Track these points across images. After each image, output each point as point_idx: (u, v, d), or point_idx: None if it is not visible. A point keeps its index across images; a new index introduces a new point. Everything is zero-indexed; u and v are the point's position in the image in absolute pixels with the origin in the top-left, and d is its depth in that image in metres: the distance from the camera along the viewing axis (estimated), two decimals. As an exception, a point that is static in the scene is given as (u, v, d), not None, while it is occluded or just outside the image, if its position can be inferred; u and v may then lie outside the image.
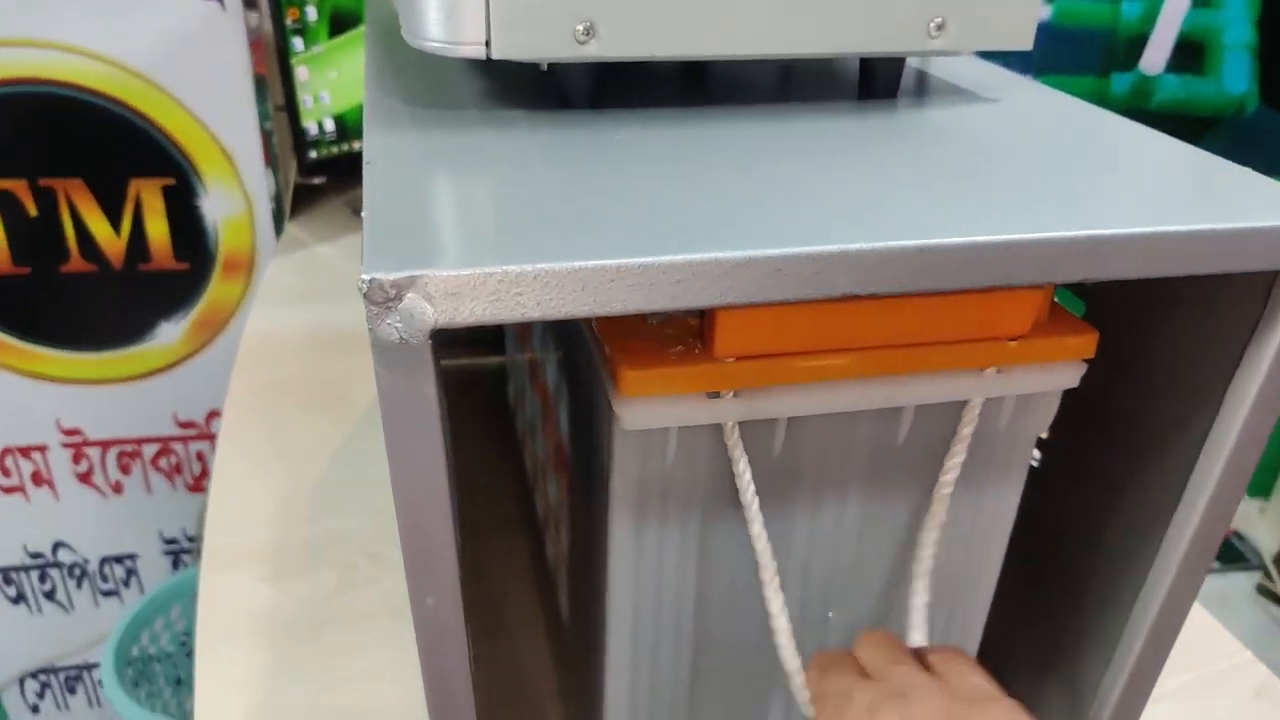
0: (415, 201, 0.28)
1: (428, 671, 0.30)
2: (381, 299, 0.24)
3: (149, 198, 1.06)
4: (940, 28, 0.39)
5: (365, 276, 0.24)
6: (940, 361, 0.32)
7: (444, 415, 0.26)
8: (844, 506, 0.36)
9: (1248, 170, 0.35)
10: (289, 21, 0.88)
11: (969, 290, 0.31)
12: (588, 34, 0.36)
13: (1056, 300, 0.36)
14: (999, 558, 0.39)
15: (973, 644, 0.42)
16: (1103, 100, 1.41)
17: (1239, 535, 1.78)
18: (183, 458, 1.21)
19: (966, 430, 0.34)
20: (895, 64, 0.42)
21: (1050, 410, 0.36)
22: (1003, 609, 0.42)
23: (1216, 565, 1.72)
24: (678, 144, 0.35)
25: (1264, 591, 1.67)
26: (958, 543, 0.39)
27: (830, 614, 0.39)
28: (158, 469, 1.22)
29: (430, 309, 0.24)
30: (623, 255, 0.25)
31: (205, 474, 1.23)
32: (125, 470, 1.21)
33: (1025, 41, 0.41)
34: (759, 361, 0.31)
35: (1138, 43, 1.38)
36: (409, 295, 0.24)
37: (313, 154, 0.94)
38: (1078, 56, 1.39)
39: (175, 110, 1.01)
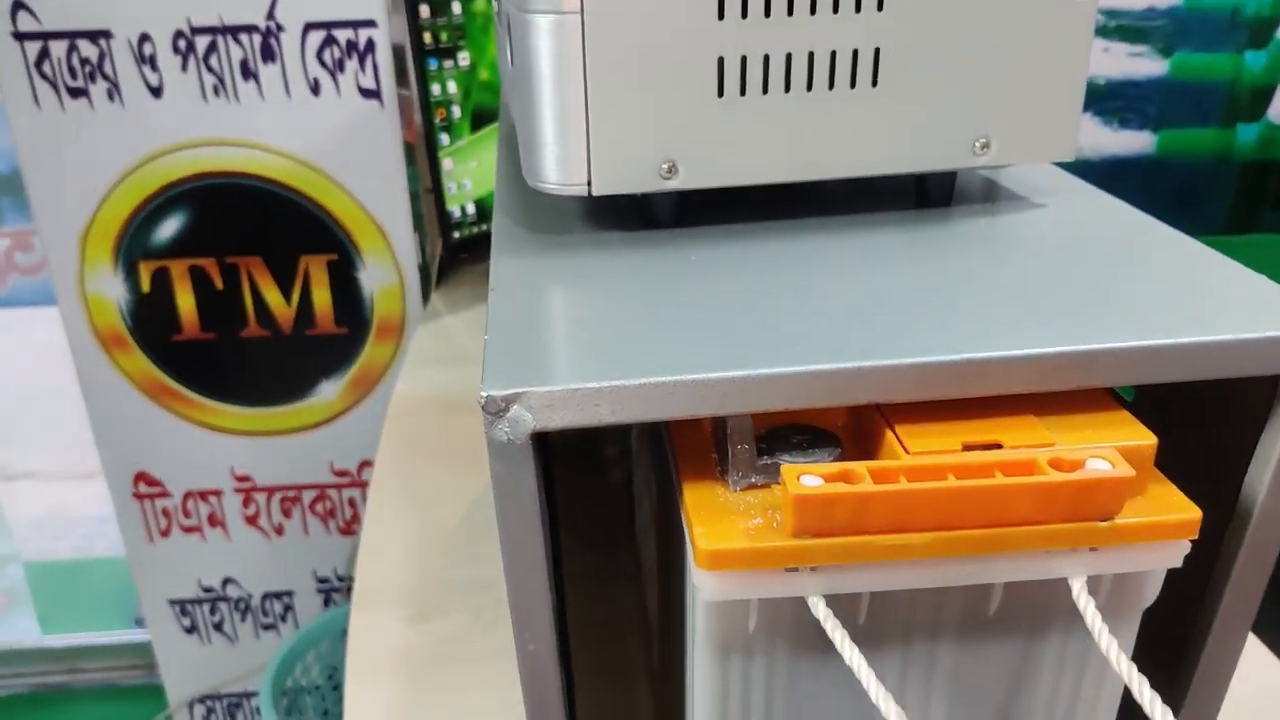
0: (524, 326, 0.36)
1: (529, 708, 0.37)
2: (495, 410, 0.31)
3: (315, 271, 1.19)
4: (985, 146, 0.45)
5: (484, 393, 0.31)
6: (1026, 542, 0.33)
7: (543, 498, 0.34)
8: (932, 673, 0.38)
9: (1267, 281, 0.38)
10: (437, 120, 1.00)
11: (1059, 458, 0.33)
12: (670, 171, 0.43)
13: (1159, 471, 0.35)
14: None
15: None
16: (1229, 152, 1.39)
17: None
18: (336, 503, 1.34)
19: (1090, 606, 0.34)
20: (947, 177, 0.48)
21: (1154, 586, 0.36)
22: None
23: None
24: (745, 260, 0.42)
25: None
26: (1067, 706, 0.39)
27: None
28: (314, 513, 1.35)
29: (531, 417, 0.32)
30: (675, 373, 0.32)
31: (356, 519, 1.35)
32: (287, 514, 1.35)
33: (1067, 153, 0.46)
34: (837, 540, 0.32)
35: (1264, 92, 1.36)
36: (515, 407, 0.32)
37: (456, 234, 1.05)
38: (1199, 109, 1.38)
39: (339, 195, 1.14)
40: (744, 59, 0.41)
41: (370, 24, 1.05)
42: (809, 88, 0.42)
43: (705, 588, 0.33)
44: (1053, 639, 0.37)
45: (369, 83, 1.08)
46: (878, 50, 0.42)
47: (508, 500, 0.33)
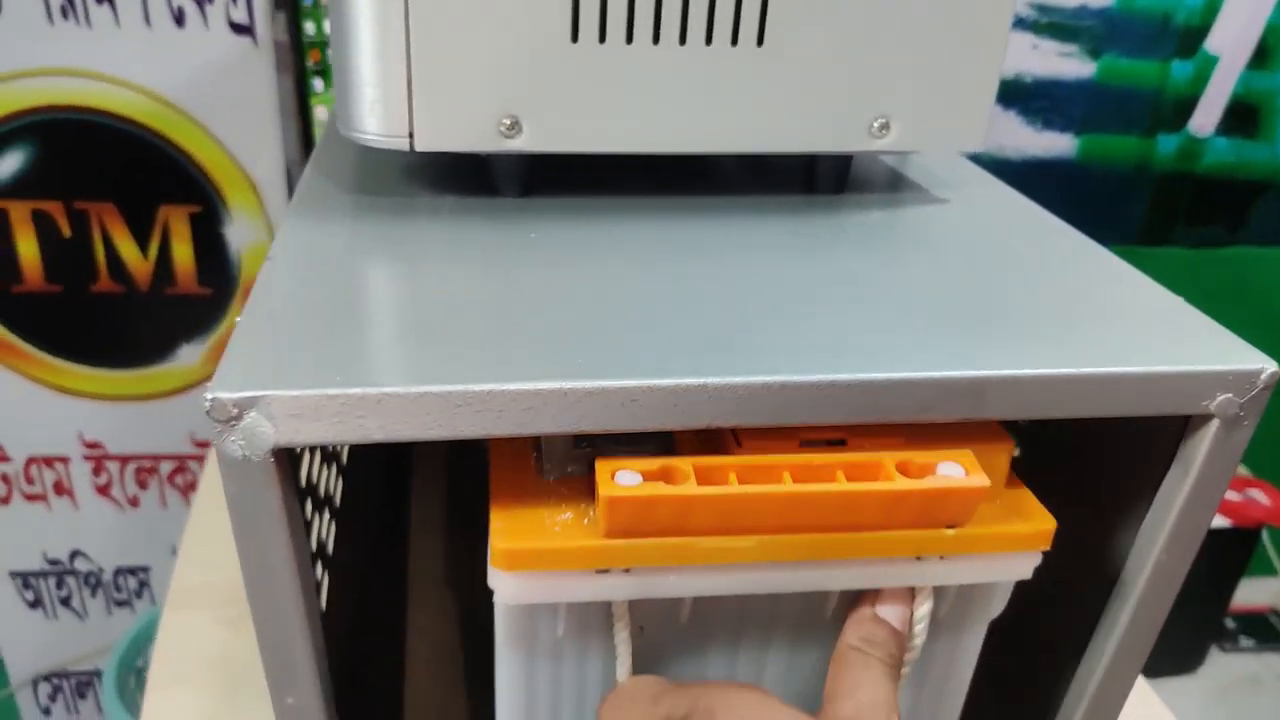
0: (291, 309, 0.29)
1: (290, 769, 0.30)
2: (224, 418, 0.24)
3: (176, 224, 1.08)
4: (884, 128, 0.39)
5: (209, 395, 0.24)
6: (866, 549, 0.30)
7: (298, 524, 0.27)
8: (760, 679, 0.35)
9: (1181, 302, 0.34)
10: (310, 63, 0.90)
11: (904, 461, 0.29)
12: (513, 129, 0.36)
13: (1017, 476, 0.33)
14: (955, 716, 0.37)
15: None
16: (1148, 161, 1.38)
17: (1277, 613, 1.71)
18: (197, 476, 1.23)
19: (921, 612, 0.32)
20: (841, 161, 0.42)
21: (1001, 598, 0.34)
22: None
23: (1251, 644, 1.65)
24: (591, 244, 0.35)
25: (1300, 676, 1.60)
26: (907, 711, 0.37)
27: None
28: (173, 485, 1.24)
29: (271, 429, 0.24)
30: (469, 382, 0.25)
31: (219, 493, 1.25)
32: (143, 485, 1.24)
33: (975, 143, 0.40)
34: (651, 541, 0.28)
35: (1187, 104, 1.35)
36: (250, 415, 0.24)
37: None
38: (1122, 116, 1.36)
39: (205, 141, 1.04)
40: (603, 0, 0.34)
41: (242, -49, 0.95)
42: (682, 40, 0.36)
43: (501, 589, 0.29)
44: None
45: (241, 17, 0.97)
46: (765, 2, 0.36)
47: (248, 532, 0.26)
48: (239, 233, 1.09)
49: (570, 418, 0.25)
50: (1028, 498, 0.32)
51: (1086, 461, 0.37)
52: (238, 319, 0.28)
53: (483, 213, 0.37)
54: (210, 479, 0.73)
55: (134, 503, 1.25)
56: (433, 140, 0.36)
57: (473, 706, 0.55)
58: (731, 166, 0.45)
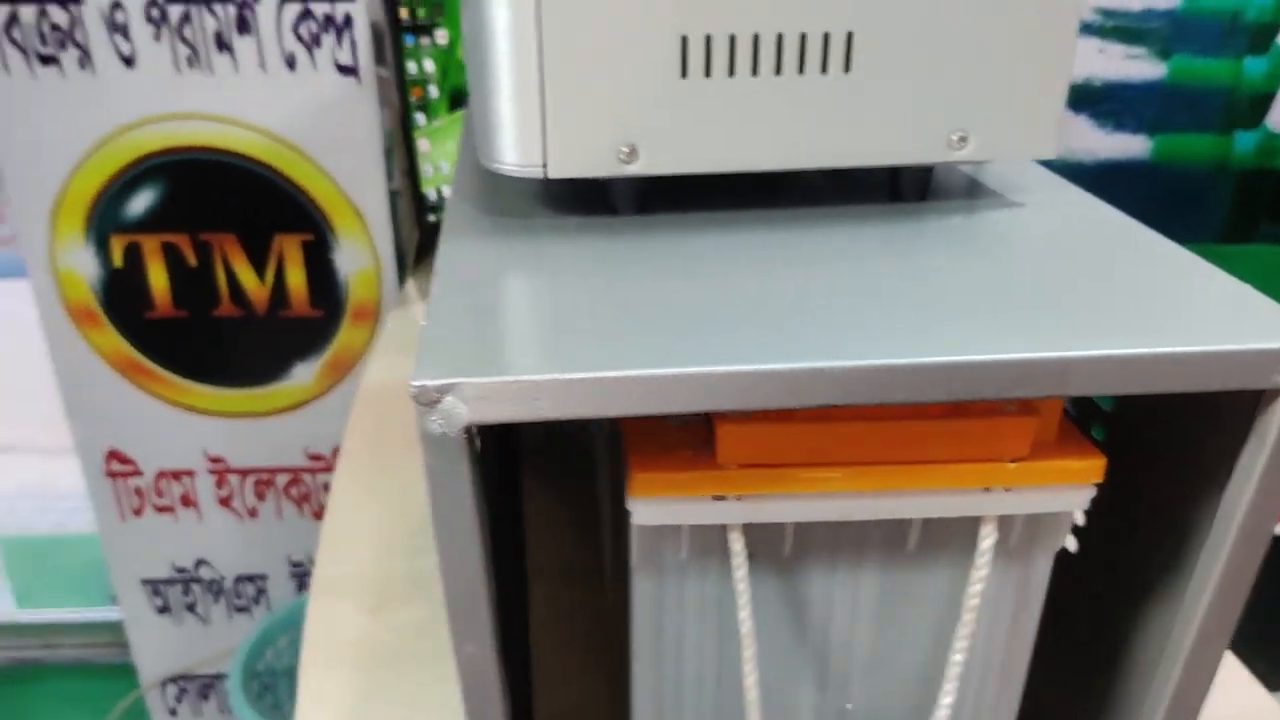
0: (466, 313, 0.34)
1: (468, 710, 0.35)
2: (427, 401, 0.30)
3: (290, 251, 1.17)
4: (962, 140, 0.43)
5: (414, 383, 0.30)
6: (940, 480, 0.35)
7: (479, 493, 0.32)
8: (856, 606, 0.39)
9: (1251, 289, 0.37)
10: (413, 99, 0.98)
11: (956, 408, 0.34)
12: (630, 155, 0.41)
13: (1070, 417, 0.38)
14: (1024, 655, 0.41)
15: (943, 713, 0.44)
16: (1226, 159, 1.37)
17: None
18: (311, 488, 1.32)
19: (986, 544, 0.36)
20: (922, 172, 0.46)
21: (1063, 529, 0.38)
22: (1037, 690, 0.44)
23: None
24: (703, 252, 0.40)
25: None
26: (984, 641, 0.41)
27: (849, 705, 0.42)
28: (288, 497, 1.33)
29: (465, 409, 0.30)
30: (624, 368, 0.30)
31: (330, 503, 1.33)
32: (260, 497, 1.33)
33: (1048, 150, 0.44)
34: (759, 470, 0.34)
35: (1263, 100, 1.35)
36: (447, 398, 0.30)
37: (432, 217, 1.03)
38: (1196, 115, 1.36)
39: (315, 174, 1.12)
40: (709, 38, 0.40)
41: (349, -1, 1.03)
42: (777, 71, 0.41)
43: (638, 512, 0.35)
44: (962, 579, 0.39)
45: (346, 59, 1.06)
46: (850, 34, 0.40)
47: (441, 496, 0.31)
48: (346, 258, 1.17)
49: (702, 397, 0.30)
50: (1080, 441, 0.37)
51: (1171, 441, 0.40)
52: (422, 323, 0.33)
53: (604, 230, 0.42)
54: (341, 484, 0.80)
55: (253, 514, 1.34)
56: (563, 168, 0.41)
57: (595, 687, 0.60)
58: (821, 179, 0.50)
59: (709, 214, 0.44)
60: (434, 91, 1.00)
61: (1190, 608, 0.38)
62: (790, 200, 0.46)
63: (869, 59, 0.41)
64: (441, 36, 0.98)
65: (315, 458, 1.30)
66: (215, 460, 1.30)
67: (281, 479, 1.31)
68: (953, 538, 0.38)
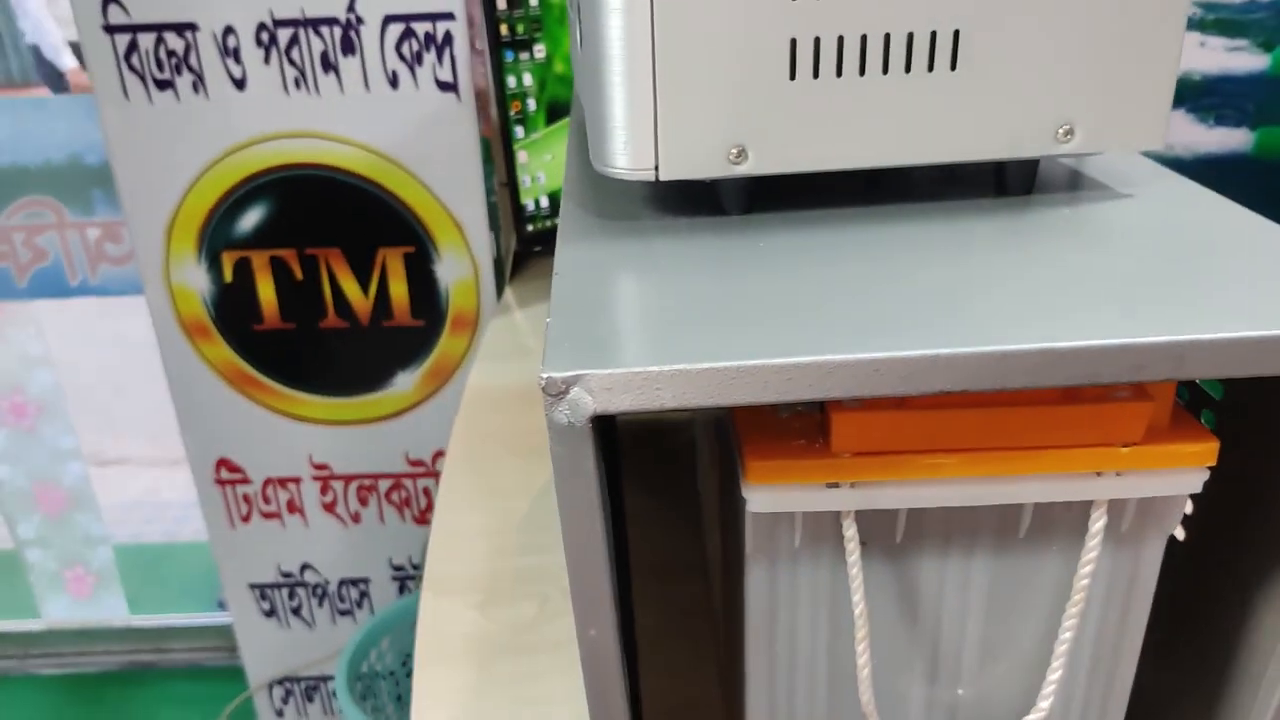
0: (587, 309, 0.36)
1: (590, 692, 0.37)
2: (555, 391, 0.31)
3: (393, 263, 1.21)
4: (1069, 133, 0.43)
5: (544, 374, 0.31)
6: (1052, 465, 0.35)
7: (603, 480, 0.33)
8: (967, 591, 0.40)
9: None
10: (512, 112, 1.01)
11: (1069, 393, 0.35)
12: (740, 156, 0.42)
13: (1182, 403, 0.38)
14: (1136, 639, 0.41)
15: (1113, 709, 0.44)
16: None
17: None
18: (411, 493, 1.36)
19: (1097, 527, 0.36)
20: (1029, 165, 0.46)
21: (1176, 512, 0.38)
22: (1149, 679, 0.44)
23: None
24: (813, 248, 0.41)
25: None
26: (1094, 626, 0.41)
27: (960, 691, 0.42)
28: (390, 502, 1.37)
29: (591, 399, 0.31)
30: (742, 358, 0.31)
31: (430, 508, 1.37)
32: (363, 502, 1.37)
33: (1156, 142, 0.44)
34: (873, 458, 0.35)
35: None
36: (575, 389, 0.31)
37: (530, 227, 1.06)
38: (1304, 106, 1.31)
39: (416, 188, 1.16)
40: (817, 40, 0.40)
41: (448, 16, 1.06)
42: (884, 70, 0.41)
43: (753, 500, 0.36)
44: (1074, 562, 0.39)
45: (446, 76, 1.09)
46: (957, 32, 0.41)
47: (568, 484, 0.33)
48: (447, 269, 1.21)
49: (817, 385, 0.31)
50: (1192, 424, 0.36)
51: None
52: (547, 320, 0.35)
53: (713, 229, 0.44)
54: (448, 486, 0.82)
55: (356, 519, 1.39)
56: (674, 170, 0.42)
57: (702, 682, 0.61)
58: (927, 175, 0.50)
59: (815, 212, 0.45)
60: (532, 105, 1.03)
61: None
62: (895, 196, 0.47)
63: (975, 56, 0.41)
64: (539, 51, 1.01)
65: (416, 463, 1.34)
66: (320, 467, 1.35)
67: (384, 484, 1.36)
68: (1064, 523, 0.38)
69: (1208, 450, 0.35)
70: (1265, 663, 0.40)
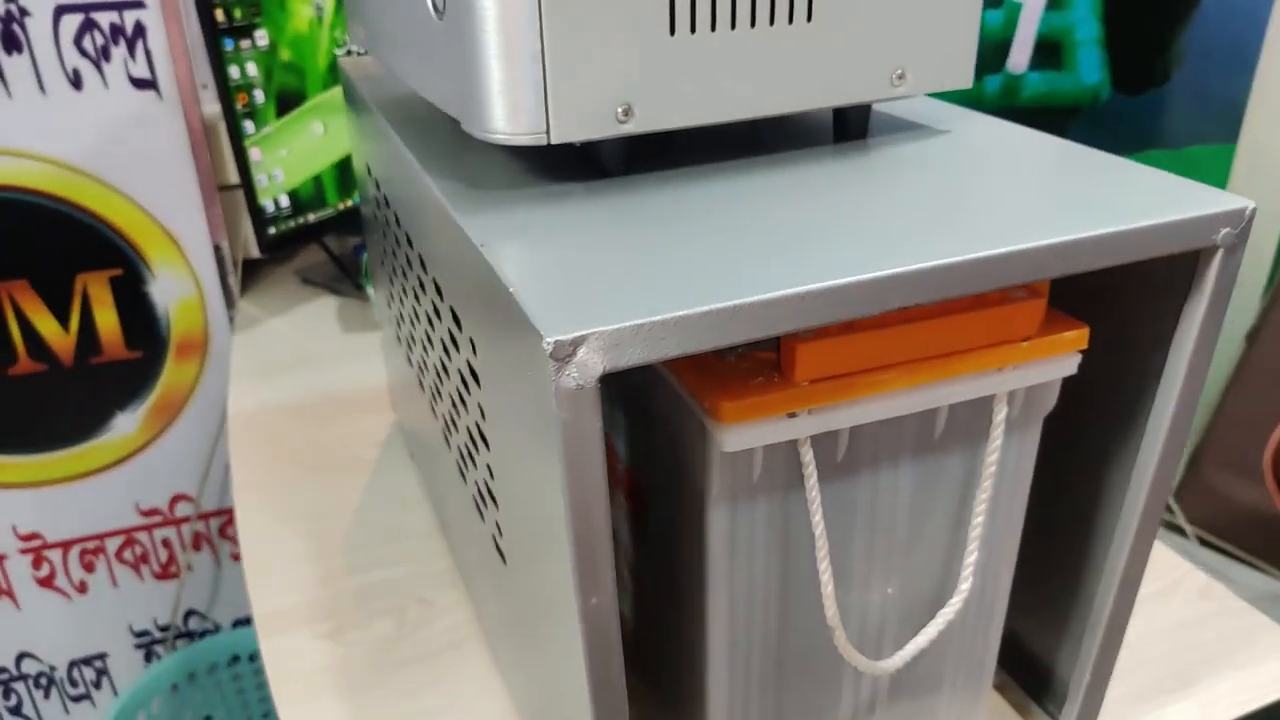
0: (544, 275, 0.34)
1: (591, 664, 0.35)
2: (563, 355, 0.30)
3: (97, 290, 1.06)
4: (901, 77, 0.47)
5: (550, 339, 0.30)
6: (970, 365, 0.39)
7: (605, 447, 0.32)
8: (896, 496, 0.43)
9: (1175, 176, 0.44)
10: (239, 106, 0.92)
11: (978, 300, 0.39)
12: (626, 115, 0.42)
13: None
14: (1022, 516, 0.47)
15: (1005, 589, 0.49)
16: (978, 101, 1.54)
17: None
18: (148, 547, 1.21)
19: (1000, 418, 0.41)
20: (864, 110, 0.50)
21: (1053, 394, 0.44)
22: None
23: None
24: (709, 199, 0.42)
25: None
26: (992, 507, 0.45)
27: (890, 590, 0.46)
28: (123, 562, 1.21)
29: (599, 359, 0.30)
30: (734, 298, 0.31)
31: (173, 560, 1.22)
32: (89, 568, 1.20)
33: (967, 80, 0.50)
34: (830, 382, 0.37)
35: (1002, 46, 1.53)
36: (580, 351, 0.30)
37: (271, 229, 0.97)
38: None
39: (118, 201, 1.02)
40: (692, -7, 0.41)
41: (137, 4, 0.94)
42: (752, 24, 0.43)
43: (726, 440, 0.37)
44: (977, 453, 0.44)
45: (141, 71, 0.97)
46: (810, -17, 0.43)
47: (576, 452, 0.31)
48: (164, 289, 1.08)
49: (806, 315, 0.32)
50: (1062, 316, 0.42)
51: (1111, 320, 0.47)
52: (510, 287, 0.33)
53: (604, 191, 0.43)
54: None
55: (81, 589, 1.21)
56: (566, 133, 0.41)
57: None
58: (771, 128, 0.53)
59: (685, 169, 0.46)
60: (260, 96, 0.94)
61: (1145, 459, 0.45)
62: (747, 150, 0.49)
63: (826, 7, 0.44)
64: (261, 38, 0.93)
65: (150, 513, 1.19)
66: (29, 538, 1.16)
67: (113, 543, 1.19)
68: (965, 419, 0.42)
69: (1081, 336, 0.41)
70: (1115, 514, 0.47)
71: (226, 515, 1.22)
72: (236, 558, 1.25)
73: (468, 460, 0.51)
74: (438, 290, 0.48)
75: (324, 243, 1.14)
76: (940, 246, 0.35)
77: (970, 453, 0.44)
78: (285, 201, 0.99)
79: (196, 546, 1.22)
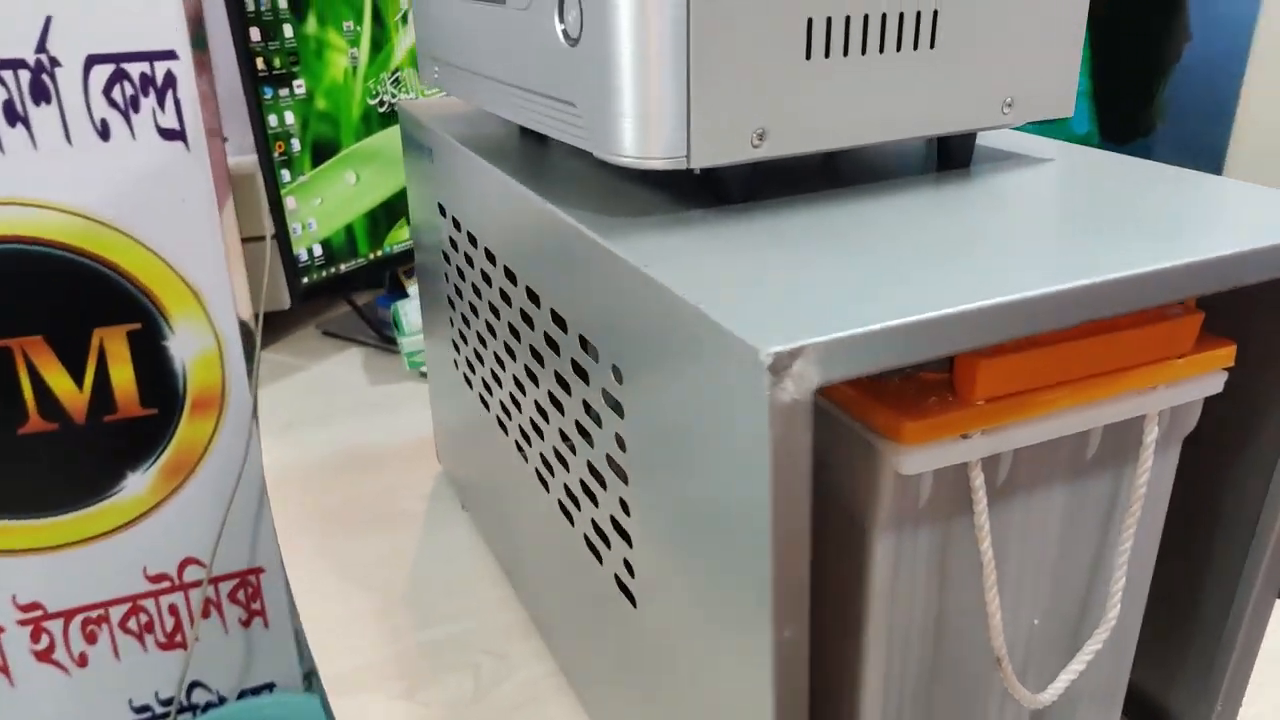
0: (722, 291, 0.33)
1: (779, 696, 0.34)
2: (781, 368, 0.29)
3: (113, 345, 1.03)
4: (1010, 105, 0.48)
5: (769, 351, 0.28)
6: (1130, 383, 0.39)
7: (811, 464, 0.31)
8: (1046, 520, 0.42)
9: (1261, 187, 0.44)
10: (276, 154, 0.90)
11: (1138, 317, 0.38)
12: (760, 139, 0.42)
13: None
14: (1158, 540, 0.46)
15: (1140, 616, 0.48)
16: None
17: None
18: (155, 615, 1.15)
19: (1150, 438, 0.40)
20: (972, 137, 0.50)
21: (1196, 414, 0.43)
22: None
23: None
24: (839, 223, 0.41)
25: None
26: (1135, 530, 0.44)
27: (1035, 621, 0.44)
28: (127, 631, 1.15)
29: (815, 372, 0.29)
30: (941, 308, 0.31)
31: (179, 629, 1.17)
32: (91, 639, 1.14)
33: (1068, 109, 0.50)
34: (1003, 401, 0.36)
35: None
36: (798, 363, 0.29)
37: (305, 280, 0.95)
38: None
39: (140, 253, 1.00)
40: (829, 20, 0.41)
41: (169, 55, 0.93)
42: (881, 49, 0.43)
43: (904, 463, 0.36)
44: (1125, 474, 0.43)
45: (170, 122, 0.96)
46: (936, 11, 0.44)
47: (786, 470, 0.30)
48: (183, 344, 1.05)
49: (1015, 327, 0.32)
50: (1210, 335, 0.42)
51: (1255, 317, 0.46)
52: (699, 305, 0.32)
53: (732, 216, 0.43)
54: (301, 581, 0.71)
55: (82, 662, 1.15)
56: (704, 157, 0.41)
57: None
58: (867, 158, 0.53)
59: (801, 196, 0.46)
60: (296, 145, 0.93)
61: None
62: (847, 179, 0.49)
63: (948, 35, 0.44)
64: (299, 87, 0.92)
65: (157, 578, 1.14)
66: (28, 609, 1.11)
67: (116, 612, 1.14)
68: (1115, 440, 0.42)
69: (1229, 353, 0.41)
70: (1250, 529, 0.46)
71: (238, 578, 1.18)
72: (246, 624, 1.20)
73: (581, 500, 0.49)
74: (558, 322, 0.47)
75: (348, 295, 1.12)
76: (1109, 260, 0.35)
77: (1116, 475, 0.43)
78: (319, 251, 0.97)
79: (205, 614, 1.18)
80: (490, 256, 0.56)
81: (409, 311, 1.01)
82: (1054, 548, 0.43)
